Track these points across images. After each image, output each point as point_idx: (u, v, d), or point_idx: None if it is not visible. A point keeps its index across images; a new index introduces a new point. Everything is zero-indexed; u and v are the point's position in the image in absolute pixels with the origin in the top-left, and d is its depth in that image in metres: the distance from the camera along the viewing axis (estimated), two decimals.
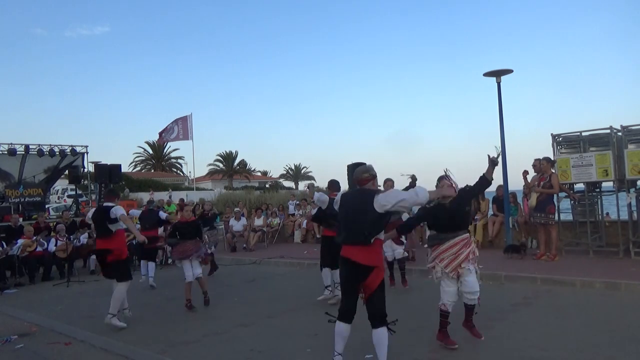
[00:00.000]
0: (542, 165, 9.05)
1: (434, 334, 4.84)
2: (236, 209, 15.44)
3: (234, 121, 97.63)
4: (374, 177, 4.06)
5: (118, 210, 6.27)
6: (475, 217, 11.07)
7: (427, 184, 4.89)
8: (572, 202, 9.66)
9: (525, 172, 9.31)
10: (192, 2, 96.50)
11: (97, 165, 15.42)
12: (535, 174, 9.27)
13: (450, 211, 4.64)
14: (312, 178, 59.36)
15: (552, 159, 9.26)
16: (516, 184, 10.49)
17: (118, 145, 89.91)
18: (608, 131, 8.98)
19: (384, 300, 3.91)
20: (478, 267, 4.80)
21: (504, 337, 4.93)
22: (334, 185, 6.96)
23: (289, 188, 50.25)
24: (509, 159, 10.19)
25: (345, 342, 3.97)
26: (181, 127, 22.86)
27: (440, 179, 4.69)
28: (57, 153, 15.53)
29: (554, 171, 9.03)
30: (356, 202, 3.96)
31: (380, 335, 3.84)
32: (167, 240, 9.50)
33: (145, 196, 30.46)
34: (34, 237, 10.40)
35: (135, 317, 6.63)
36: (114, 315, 6.15)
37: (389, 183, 7.90)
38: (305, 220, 14.41)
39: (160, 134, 23.40)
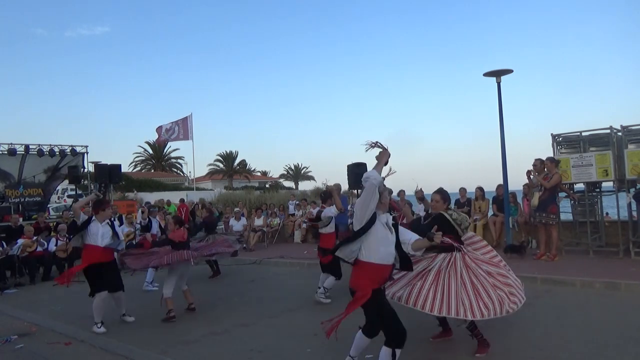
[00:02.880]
0: (546, 166, 9.04)
1: (433, 334, 4.84)
2: (236, 209, 15.43)
3: (234, 121, 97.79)
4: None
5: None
6: (476, 217, 11.07)
7: (427, 184, 4.88)
8: (572, 202, 9.65)
9: (529, 172, 9.28)
10: (192, 2, 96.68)
11: (97, 165, 15.32)
12: (537, 174, 9.25)
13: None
14: (312, 178, 59.33)
15: (556, 159, 9.23)
16: (516, 184, 10.51)
17: (118, 145, 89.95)
18: (608, 131, 8.99)
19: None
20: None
21: (504, 337, 4.93)
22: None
23: (289, 188, 50.21)
24: (509, 159, 10.20)
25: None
26: (181, 127, 22.83)
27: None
28: (57, 153, 15.50)
29: (557, 171, 9.00)
30: None
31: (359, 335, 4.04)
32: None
33: (145, 196, 30.44)
34: (34, 237, 10.40)
35: (135, 318, 6.63)
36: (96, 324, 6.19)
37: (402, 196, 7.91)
38: (306, 220, 14.41)
39: (158, 130, 23.29)
